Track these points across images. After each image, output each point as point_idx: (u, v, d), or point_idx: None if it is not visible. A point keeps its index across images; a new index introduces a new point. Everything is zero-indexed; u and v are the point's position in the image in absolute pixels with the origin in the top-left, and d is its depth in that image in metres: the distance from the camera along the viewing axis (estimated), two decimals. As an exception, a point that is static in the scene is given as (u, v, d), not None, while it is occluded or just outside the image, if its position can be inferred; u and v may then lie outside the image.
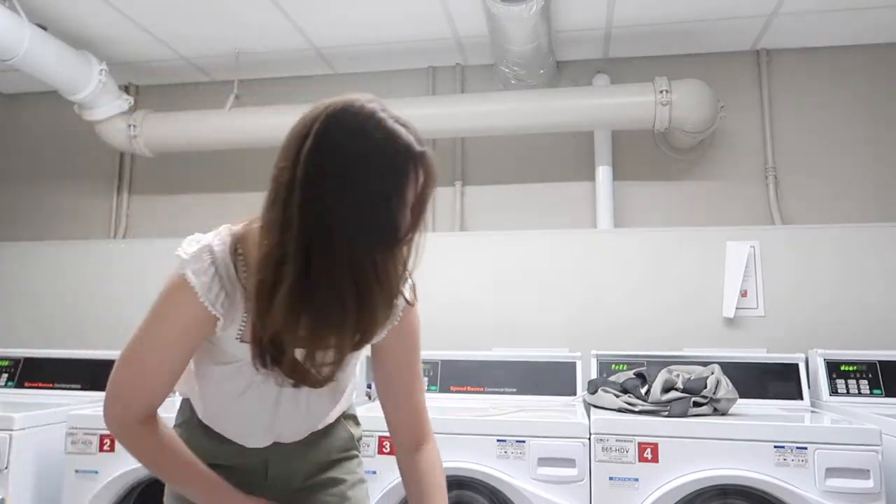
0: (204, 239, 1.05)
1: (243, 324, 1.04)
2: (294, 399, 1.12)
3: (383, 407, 1.23)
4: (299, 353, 1.03)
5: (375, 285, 0.97)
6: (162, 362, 1.03)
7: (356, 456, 1.32)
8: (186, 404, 1.23)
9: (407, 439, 1.22)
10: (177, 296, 1.01)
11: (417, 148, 0.95)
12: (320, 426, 1.24)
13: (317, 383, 1.05)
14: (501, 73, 3.02)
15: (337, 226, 0.91)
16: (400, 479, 1.23)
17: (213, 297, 1.01)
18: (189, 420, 1.21)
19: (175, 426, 1.24)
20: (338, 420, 1.29)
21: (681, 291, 2.80)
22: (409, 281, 1.14)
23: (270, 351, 1.00)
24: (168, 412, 1.10)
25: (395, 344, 1.18)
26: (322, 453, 1.25)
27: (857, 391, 2.41)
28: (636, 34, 2.94)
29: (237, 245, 1.04)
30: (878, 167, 2.91)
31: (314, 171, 0.91)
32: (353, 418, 1.35)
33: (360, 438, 1.35)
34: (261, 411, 1.12)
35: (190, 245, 1.04)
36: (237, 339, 1.05)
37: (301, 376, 1.03)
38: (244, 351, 1.04)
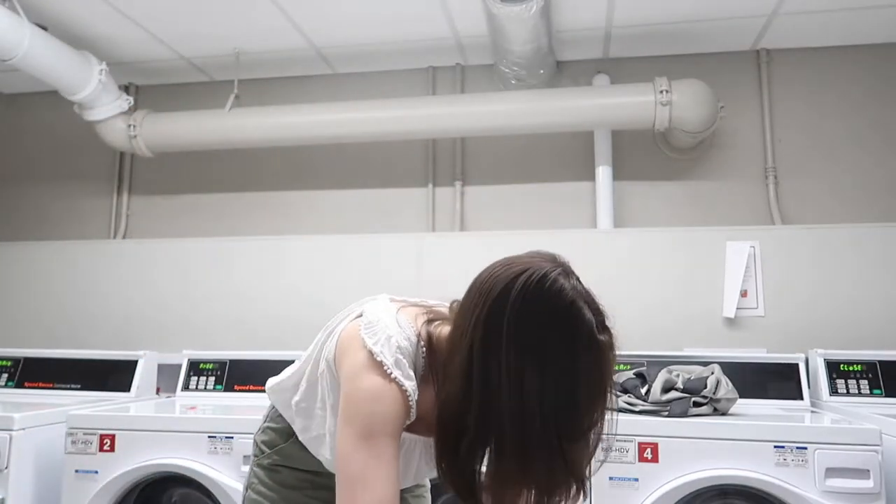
0: (393, 336, 1.02)
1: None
2: (407, 462, 1.13)
3: None
4: None
5: (562, 472, 0.95)
6: (392, 473, 0.97)
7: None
8: (283, 419, 1.26)
9: None
10: (391, 399, 0.98)
11: (598, 335, 0.94)
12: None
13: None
14: (501, 73, 3.02)
15: (531, 403, 0.90)
16: None
17: (412, 394, 1.00)
18: (291, 431, 1.23)
19: (271, 428, 1.26)
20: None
21: (681, 291, 2.80)
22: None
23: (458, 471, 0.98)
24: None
25: None
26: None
27: (857, 391, 2.40)
28: (636, 34, 2.94)
29: (422, 345, 1.05)
30: (878, 167, 2.91)
31: (510, 346, 0.92)
32: None
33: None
34: None
35: (382, 343, 1.01)
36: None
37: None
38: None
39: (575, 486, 0.99)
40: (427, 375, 1.04)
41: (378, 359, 1.00)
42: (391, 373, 0.99)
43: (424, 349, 1.05)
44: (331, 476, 1.18)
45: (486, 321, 0.94)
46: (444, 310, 1.11)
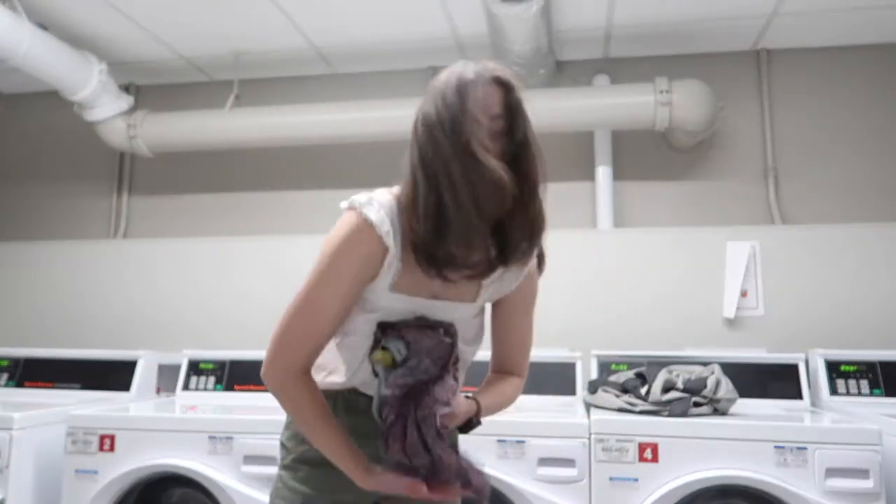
0: (372, 194, 1.11)
1: (396, 273, 1.10)
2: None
3: (492, 341, 1.31)
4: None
5: (494, 196, 1.01)
6: (335, 302, 1.08)
7: None
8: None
9: (501, 367, 1.31)
10: (355, 232, 1.07)
11: (471, 76, 1.04)
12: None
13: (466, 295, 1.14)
14: (501, 73, 3.01)
15: (433, 148, 1.02)
16: None
17: (385, 230, 1.06)
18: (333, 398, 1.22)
19: (291, 422, 1.26)
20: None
21: (681, 291, 2.80)
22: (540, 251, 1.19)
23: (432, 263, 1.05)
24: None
25: (514, 300, 1.25)
26: None
27: (857, 391, 2.40)
28: (636, 34, 2.94)
29: (402, 204, 1.09)
30: (878, 167, 2.91)
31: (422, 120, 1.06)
32: None
33: None
34: None
35: (359, 196, 1.10)
36: (389, 288, 1.11)
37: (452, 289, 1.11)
38: (392, 300, 1.11)
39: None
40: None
41: (351, 203, 1.09)
42: (362, 210, 1.07)
43: (403, 203, 1.09)
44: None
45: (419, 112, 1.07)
46: None
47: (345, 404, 1.19)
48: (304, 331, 1.09)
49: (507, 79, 1.06)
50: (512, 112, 1.05)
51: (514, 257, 1.09)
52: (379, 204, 1.08)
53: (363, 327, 1.14)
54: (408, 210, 1.07)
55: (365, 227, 1.06)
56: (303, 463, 1.19)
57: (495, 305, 1.28)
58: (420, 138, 1.04)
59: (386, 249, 1.07)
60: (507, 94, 1.05)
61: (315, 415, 1.12)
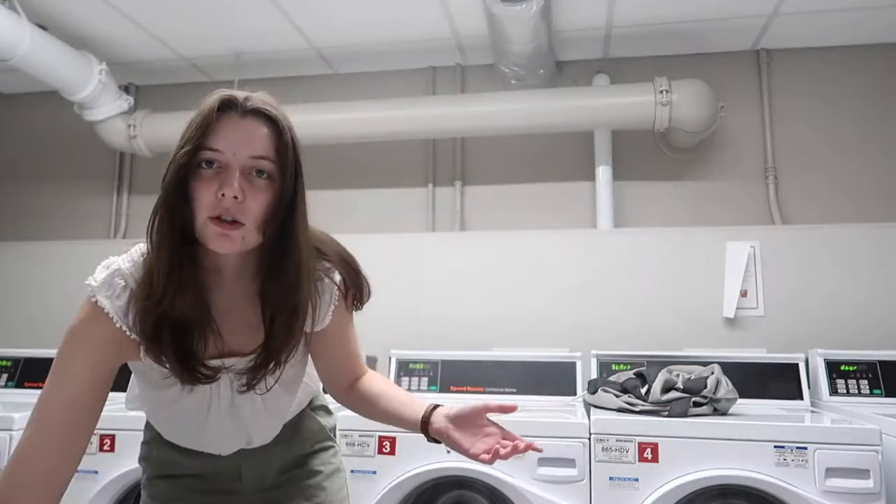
0: (114, 262, 1.02)
1: None
2: (251, 403, 1.10)
3: (315, 366, 1.21)
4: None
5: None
6: (70, 398, 0.96)
7: (332, 446, 1.31)
8: (149, 426, 1.23)
9: (345, 382, 1.22)
10: (88, 326, 0.98)
11: (221, 95, 0.97)
12: (286, 420, 1.22)
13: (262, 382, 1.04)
14: (501, 73, 3.02)
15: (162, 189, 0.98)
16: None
17: (130, 320, 0.97)
18: (156, 437, 1.20)
19: (143, 443, 1.24)
20: (304, 413, 1.28)
21: (681, 291, 2.80)
22: (341, 277, 1.13)
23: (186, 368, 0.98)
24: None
25: (329, 342, 1.17)
26: (295, 448, 1.24)
27: (857, 391, 2.40)
28: (636, 34, 2.94)
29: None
30: (878, 167, 2.91)
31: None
32: (324, 408, 1.34)
33: (333, 428, 1.34)
34: (220, 422, 1.10)
35: (100, 272, 1.01)
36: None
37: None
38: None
39: None
40: None
41: (87, 283, 1.00)
42: (95, 298, 0.98)
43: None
44: (217, 477, 1.18)
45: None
46: None
47: (168, 445, 1.19)
48: (36, 449, 0.96)
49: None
50: None
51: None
52: (121, 279, 1.02)
53: (169, 402, 1.09)
54: None
55: (103, 319, 1.02)
56: (158, 477, 1.20)
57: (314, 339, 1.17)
58: None
59: None
60: None
61: None
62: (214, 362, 1.02)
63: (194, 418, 1.09)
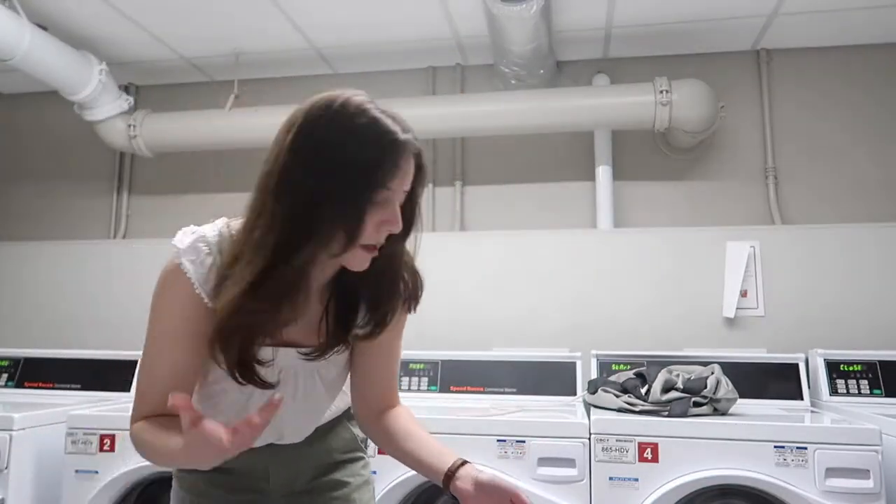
0: (199, 230, 1.04)
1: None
2: (291, 396, 1.11)
3: (352, 380, 1.21)
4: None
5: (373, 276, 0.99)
6: (170, 360, 1.01)
7: (362, 457, 1.31)
8: None
9: (378, 406, 1.21)
10: (173, 287, 1.01)
11: (402, 136, 0.96)
12: (320, 422, 1.22)
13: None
14: (501, 73, 3.02)
15: (308, 207, 0.92)
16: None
17: (209, 287, 1.00)
18: None
19: None
20: (339, 420, 1.28)
21: (681, 291, 2.80)
22: (413, 286, 1.16)
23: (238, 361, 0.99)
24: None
25: (375, 350, 1.18)
26: (324, 454, 1.24)
27: (857, 391, 2.41)
28: (636, 34, 2.94)
29: (233, 232, 1.03)
30: (878, 167, 2.91)
31: (292, 157, 0.93)
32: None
33: (364, 439, 1.33)
34: (257, 406, 1.10)
35: (185, 235, 1.03)
36: None
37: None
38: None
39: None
40: None
41: (173, 245, 1.02)
42: (179, 260, 1.00)
43: (235, 234, 1.02)
44: (245, 476, 1.17)
45: (283, 143, 0.95)
46: None
47: None
48: (147, 389, 1.03)
49: None
50: None
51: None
52: (205, 246, 1.03)
53: (212, 381, 1.09)
54: None
55: (185, 282, 1.02)
56: (185, 471, 1.20)
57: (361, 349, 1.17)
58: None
59: None
60: None
61: (162, 446, 0.98)
62: (267, 352, 1.04)
63: (235, 399, 1.09)
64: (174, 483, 1.22)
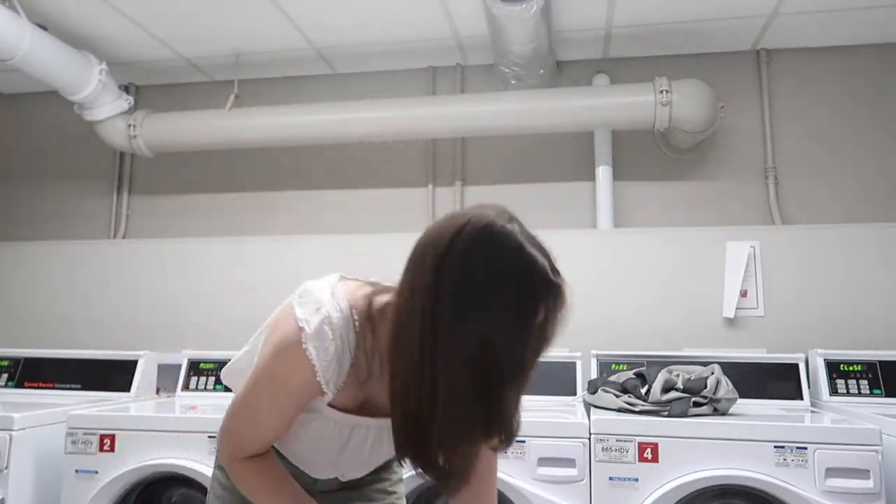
0: (323, 306, 1.01)
1: (338, 389, 1.04)
2: (360, 446, 1.14)
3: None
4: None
5: (496, 413, 0.96)
6: (273, 417, 1.05)
7: (401, 479, 1.37)
8: None
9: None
10: (294, 366, 1.00)
11: (553, 278, 0.92)
12: (379, 465, 1.27)
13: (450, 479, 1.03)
14: (501, 73, 3.02)
15: (473, 350, 0.87)
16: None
17: (329, 375, 1.01)
18: None
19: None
20: (393, 460, 1.33)
21: (681, 291, 2.80)
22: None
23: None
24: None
25: None
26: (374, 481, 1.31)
27: (857, 391, 2.41)
28: (636, 34, 2.94)
29: (356, 317, 1.02)
30: (878, 167, 2.91)
31: (454, 298, 0.88)
32: None
33: None
34: (329, 451, 1.14)
35: (309, 311, 1.01)
36: (329, 403, 1.07)
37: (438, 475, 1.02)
38: (330, 411, 1.08)
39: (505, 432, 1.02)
40: (363, 350, 1.02)
41: (300, 325, 1.00)
42: (305, 345, 0.98)
43: (357, 321, 1.02)
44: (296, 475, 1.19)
45: (435, 275, 0.89)
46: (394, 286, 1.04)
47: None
48: (244, 434, 1.08)
49: None
50: None
51: None
52: (329, 331, 1.00)
53: (297, 423, 1.11)
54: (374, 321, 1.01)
55: (307, 367, 0.99)
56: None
57: None
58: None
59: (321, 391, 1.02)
60: None
61: (261, 492, 1.09)
62: (350, 418, 1.09)
63: (311, 439, 1.13)
64: (214, 480, 1.24)
